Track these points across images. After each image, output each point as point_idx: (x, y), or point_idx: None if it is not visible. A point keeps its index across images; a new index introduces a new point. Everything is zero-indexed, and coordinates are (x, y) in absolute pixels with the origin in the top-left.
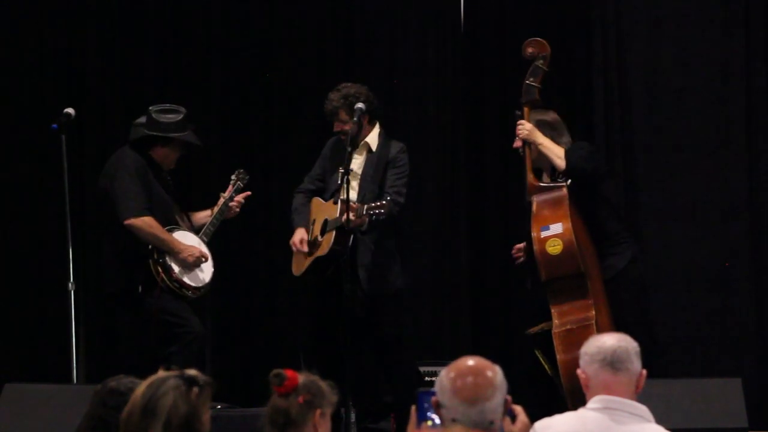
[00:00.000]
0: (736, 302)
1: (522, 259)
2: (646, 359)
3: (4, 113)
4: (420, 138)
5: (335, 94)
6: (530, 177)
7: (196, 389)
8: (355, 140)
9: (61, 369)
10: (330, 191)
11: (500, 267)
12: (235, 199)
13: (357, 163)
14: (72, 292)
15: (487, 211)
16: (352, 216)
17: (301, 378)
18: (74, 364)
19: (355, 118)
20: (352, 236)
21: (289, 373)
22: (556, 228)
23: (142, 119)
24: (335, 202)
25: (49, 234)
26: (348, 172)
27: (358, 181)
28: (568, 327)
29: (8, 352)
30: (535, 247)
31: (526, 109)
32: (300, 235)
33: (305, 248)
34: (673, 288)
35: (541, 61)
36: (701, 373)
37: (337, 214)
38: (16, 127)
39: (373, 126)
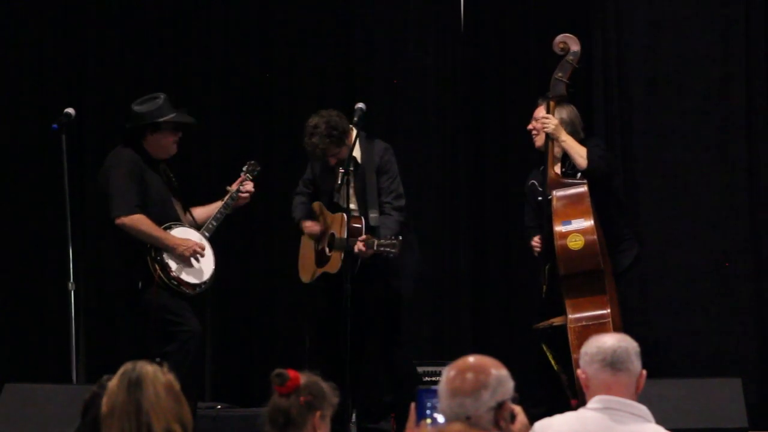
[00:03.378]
0: (736, 302)
1: (540, 249)
2: (646, 359)
3: (4, 113)
4: (420, 138)
5: (316, 138)
6: (552, 171)
7: (165, 365)
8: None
9: (61, 369)
10: (322, 196)
11: (500, 266)
12: (246, 189)
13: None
14: (72, 292)
15: (487, 211)
16: (362, 246)
17: (303, 379)
18: (74, 364)
19: (355, 118)
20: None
21: (291, 373)
22: (579, 223)
23: (130, 117)
24: (348, 218)
25: (49, 234)
26: (348, 172)
27: (356, 198)
28: (584, 323)
29: (8, 352)
30: (557, 241)
31: (552, 104)
32: (309, 223)
33: (319, 228)
34: (673, 288)
35: (572, 57)
36: (701, 373)
37: (345, 233)
38: (16, 127)
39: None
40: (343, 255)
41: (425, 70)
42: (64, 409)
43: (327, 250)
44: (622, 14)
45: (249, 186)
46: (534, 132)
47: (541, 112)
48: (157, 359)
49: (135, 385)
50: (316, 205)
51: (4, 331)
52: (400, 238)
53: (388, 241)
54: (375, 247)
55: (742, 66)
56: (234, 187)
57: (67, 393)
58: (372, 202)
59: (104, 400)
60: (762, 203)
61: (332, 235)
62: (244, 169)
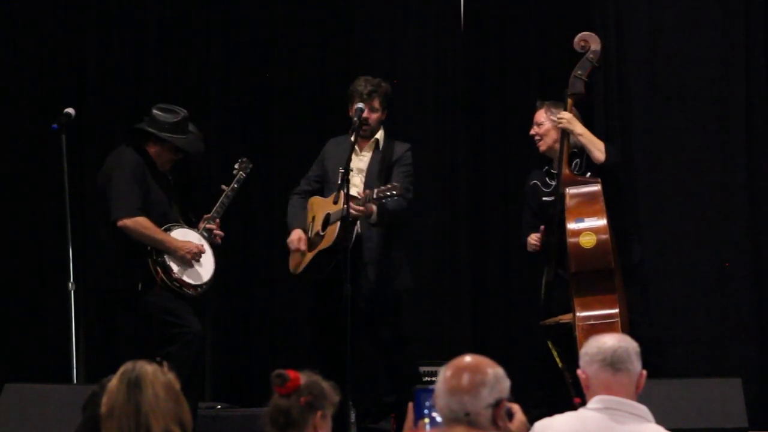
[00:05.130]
0: (736, 302)
1: (537, 247)
2: (647, 359)
3: (4, 113)
4: (420, 138)
5: (370, 84)
6: (566, 169)
7: (165, 364)
8: (370, 131)
9: (61, 369)
10: (333, 190)
11: (500, 267)
12: (216, 234)
13: (363, 160)
14: (72, 292)
15: (487, 211)
16: (357, 206)
17: (304, 379)
18: (74, 364)
19: (355, 118)
20: (356, 228)
21: (291, 374)
22: (592, 222)
23: (147, 118)
24: (335, 201)
25: (49, 234)
26: (348, 171)
27: (362, 178)
28: (592, 322)
29: (8, 352)
30: (569, 239)
31: (569, 101)
32: (297, 234)
33: (303, 247)
34: (673, 287)
35: (592, 55)
36: (701, 373)
37: (340, 207)
38: (16, 127)
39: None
40: (339, 225)
41: (425, 70)
42: (64, 409)
43: (321, 231)
44: (622, 14)
45: (219, 232)
46: (537, 137)
47: (540, 116)
48: (158, 358)
49: (134, 385)
50: (313, 200)
51: (4, 331)
52: (399, 184)
53: (386, 186)
54: (374, 195)
55: (742, 66)
56: (230, 186)
57: (67, 393)
58: (373, 185)
59: (104, 400)
60: (762, 204)
61: (327, 214)
62: (236, 166)
